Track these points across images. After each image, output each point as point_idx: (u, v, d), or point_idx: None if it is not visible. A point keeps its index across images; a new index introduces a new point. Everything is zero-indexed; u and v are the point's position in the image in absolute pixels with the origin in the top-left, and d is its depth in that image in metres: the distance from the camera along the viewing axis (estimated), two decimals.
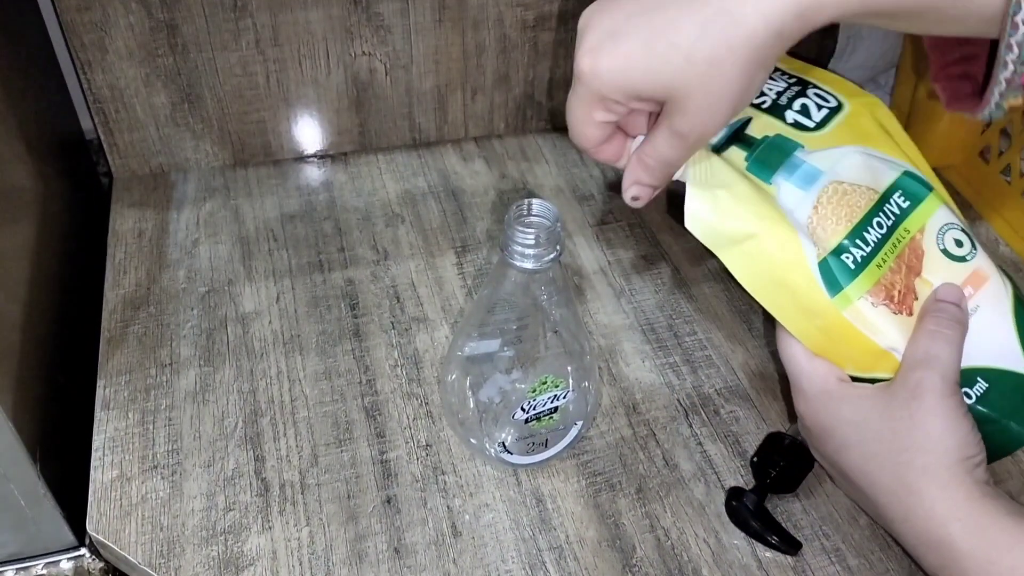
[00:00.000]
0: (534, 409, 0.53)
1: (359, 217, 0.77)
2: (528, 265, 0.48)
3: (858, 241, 0.51)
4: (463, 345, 0.56)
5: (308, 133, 0.82)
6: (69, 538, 0.58)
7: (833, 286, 0.50)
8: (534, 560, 0.54)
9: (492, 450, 0.56)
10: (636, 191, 0.48)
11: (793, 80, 0.57)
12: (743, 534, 0.55)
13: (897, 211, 0.52)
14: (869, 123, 0.55)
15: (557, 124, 0.88)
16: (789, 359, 0.52)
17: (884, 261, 0.51)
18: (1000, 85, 0.40)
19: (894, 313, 0.50)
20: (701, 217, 0.51)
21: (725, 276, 0.72)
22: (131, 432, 0.59)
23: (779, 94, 0.55)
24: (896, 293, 0.51)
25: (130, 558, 0.53)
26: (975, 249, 0.53)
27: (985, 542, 0.42)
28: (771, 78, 0.56)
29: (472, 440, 0.57)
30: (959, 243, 0.53)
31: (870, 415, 0.47)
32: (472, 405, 0.56)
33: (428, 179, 0.81)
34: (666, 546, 0.55)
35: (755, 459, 0.58)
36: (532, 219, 0.49)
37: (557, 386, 0.53)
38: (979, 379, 0.51)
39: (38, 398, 0.58)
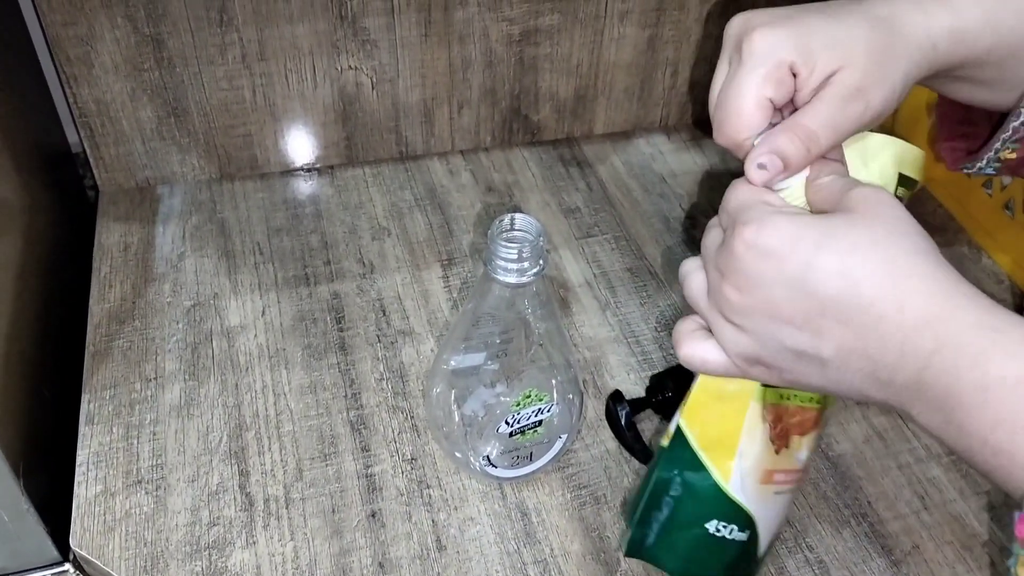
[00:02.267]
0: (519, 422, 0.54)
1: (345, 230, 0.77)
2: (511, 279, 0.49)
3: None
4: (448, 359, 0.56)
5: (295, 146, 0.82)
6: (52, 553, 0.58)
7: None
8: (519, 574, 0.54)
9: (477, 464, 0.56)
10: (767, 159, 0.41)
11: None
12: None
13: None
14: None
15: (543, 138, 0.89)
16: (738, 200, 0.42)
17: None
18: (1006, 132, 0.43)
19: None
20: None
21: None
22: (115, 447, 0.59)
23: None
24: None
25: (114, 573, 0.53)
26: None
27: (991, 314, 0.34)
28: None
29: (457, 454, 0.57)
30: None
31: (834, 220, 0.38)
32: (457, 419, 0.56)
33: (415, 192, 0.82)
34: None
35: (652, 378, 0.64)
36: (515, 234, 0.49)
37: (541, 399, 0.54)
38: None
39: (22, 412, 0.57)
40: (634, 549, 0.50)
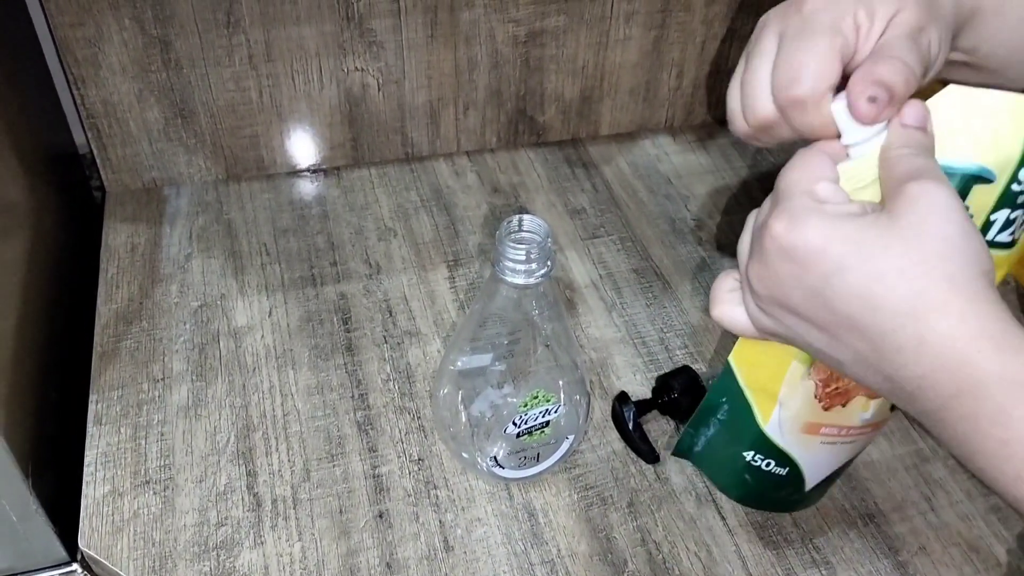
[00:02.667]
0: (526, 423, 0.54)
1: (352, 231, 0.77)
2: (519, 280, 0.49)
3: None
4: (455, 359, 0.56)
5: (301, 148, 0.82)
6: (61, 554, 0.58)
7: None
8: (526, 574, 0.54)
9: (484, 464, 0.56)
10: (876, 90, 0.38)
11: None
12: (667, 470, 0.55)
13: None
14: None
15: (548, 139, 0.89)
16: (796, 176, 0.39)
17: None
18: None
19: None
20: None
21: None
22: (123, 447, 0.59)
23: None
24: None
25: (122, 574, 0.53)
26: None
27: (1017, 362, 0.33)
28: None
29: (464, 454, 0.57)
30: None
31: (871, 232, 0.36)
32: (464, 419, 0.56)
33: (420, 193, 0.82)
34: (657, 560, 0.55)
35: (659, 379, 0.64)
36: (523, 235, 0.50)
37: (548, 400, 0.54)
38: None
39: (30, 413, 0.57)
40: (681, 451, 0.52)
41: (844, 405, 0.48)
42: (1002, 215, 0.42)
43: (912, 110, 0.39)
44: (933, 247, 0.35)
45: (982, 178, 0.40)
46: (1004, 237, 0.43)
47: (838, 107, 0.39)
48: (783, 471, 0.51)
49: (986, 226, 0.42)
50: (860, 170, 0.39)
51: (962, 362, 0.34)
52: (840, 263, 0.35)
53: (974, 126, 0.40)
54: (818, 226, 0.36)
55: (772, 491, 0.54)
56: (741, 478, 0.54)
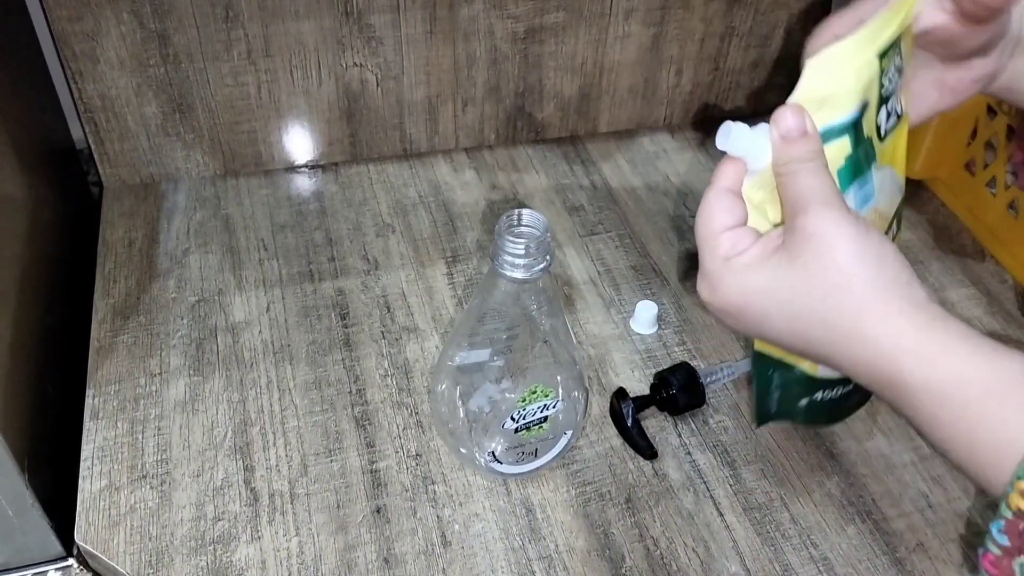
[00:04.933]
0: (524, 419, 0.54)
1: (350, 227, 0.77)
2: (518, 275, 0.49)
3: None
4: (453, 355, 0.56)
5: (299, 143, 0.82)
6: (57, 548, 0.58)
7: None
8: (524, 570, 0.54)
9: (482, 460, 0.56)
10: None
11: (902, 63, 0.48)
12: (661, 465, 0.55)
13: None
14: (900, 140, 0.51)
15: (547, 135, 0.89)
16: (704, 230, 0.43)
17: None
18: None
19: None
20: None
21: None
22: (120, 442, 0.59)
23: (891, 80, 0.47)
24: None
25: (119, 568, 0.53)
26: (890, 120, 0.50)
27: (936, 375, 0.37)
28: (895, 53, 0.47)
29: (462, 450, 0.57)
30: (889, 116, 0.50)
31: (777, 276, 0.40)
32: (462, 415, 0.56)
33: (419, 189, 0.82)
34: (655, 555, 0.55)
35: (658, 374, 0.64)
36: (522, 229, 0.49)
37: (547, 396, 0.54)
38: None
39: (27, 407, 0.57)
40: (762, 420, 0.52)
41: None
42: (883, 113, 0.47)
43: (784, 122, 0.41)
44: (833, 281, 0.39)
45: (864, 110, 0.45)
46: (890, 122, 0.48)
47: (739, 130, 0.42)
48: (849, 386, 0.51)
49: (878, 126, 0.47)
50: (764, 179, 0.43)
51: (891, 380, 0.38)
52: (763, 311, 0.41)
53: (843, 81, 0.44)
54: (732, 285, 0.41)
55: (854, 397, 0.54)
56: (824, 410, 0.53)
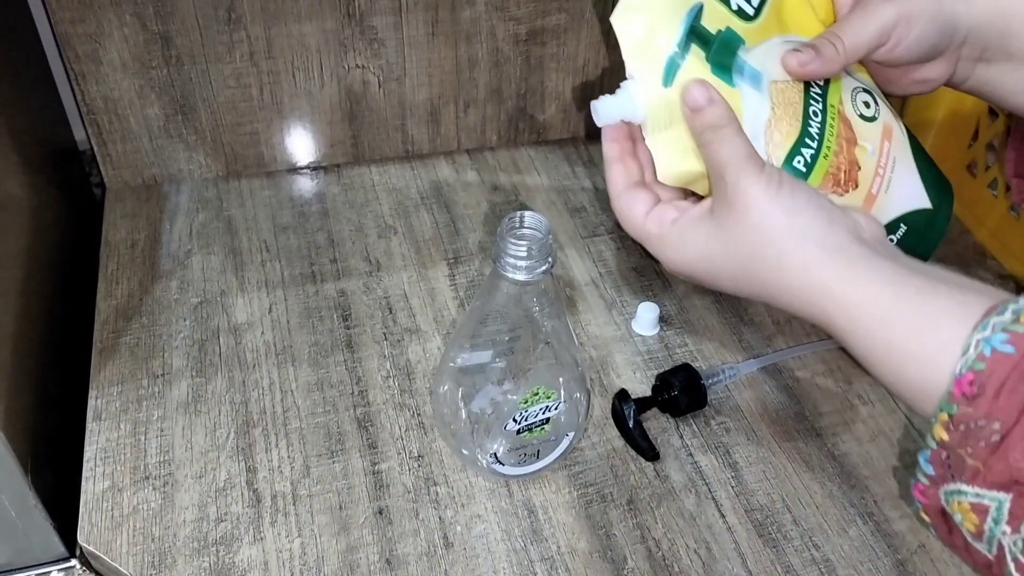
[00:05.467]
0: (526, 420, 0.54)
1: (352, 228, 0.77)
2: (520, 277, 0.49)
3: (806, 140, 0.49)
4: (455, 356, 0.56)
5: (301, 145, 0.82)
6: (59, 549, 0.58)
7: None
8: (525, 571, 0.54)
9: (484, 461, 0.56)
10: (803, 50, 0.48)
11: None
12: (659, 466, 0.55)
13: (820, 92, 0.51)
14: (797, 2, 0.53)
15: (548, 137, 0.89)
16: (630, 227, 0.49)
17: (829, 149, 0.50)
18: None
19: (840, 196, 0.50)
20: (671, 163, 0.50)
21: None
22: (123, 443, 0.59)
23: None
24: (841, 175, 0.50)
25: (121, 569, 0.53)
26: (878, 104, 0.53)
27: (862, 319, 0.39)
28: None
29: (464, 451, 0.57)
30: (867, 104, 0.52)
31: (710, 242, 0.44)
32: (464, 416, 0.56)
33: (420, 191, 0.82)
34: (657, 557, 0.55)
35: (660, 376, 0.64)
36: (524, 231, 0.50)
37: (549, 397, 0.54)
38: (900, 225, 0.52)
39: (30, 408, 0.57)
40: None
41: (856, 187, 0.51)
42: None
43: (690, 95, 0.46)
44: (756, 240, 0.42)
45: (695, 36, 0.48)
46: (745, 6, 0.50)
47: (604, 102, 0.48)
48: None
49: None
50: (657, 118, 0.47)
51: (826, 324, 0.41)
52: (709, 273, 0.46)
53: (654, 11, 0.48)
54: (674, 256, 0.46)
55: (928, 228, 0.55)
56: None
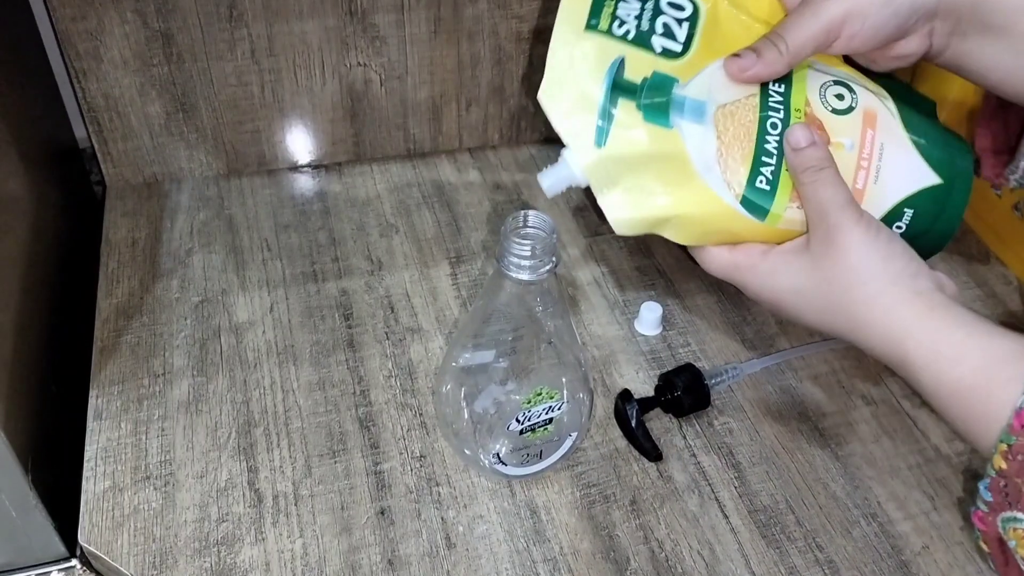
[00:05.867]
0: (529, 420, 0.53)
1: (353, 227, 0.77)
2: (524, 276, 0.49)
3: (763, 158, 0.50)
4: (458, 356, 0.56)
5: (302, 143, 0.82)
6: (60, 549, 0.58)
7: (760, 213, 0.50)
8: (528, 572, 0.53)
9: (487, 461, 0.56)
10: (743, 55, 0.49)
11: None
12: (662, 467, 0.55)
13: (780, 99, 0.51)
14: (725, 16, 0.52)
15: (551, 136, 0.88)
16: (715, 267, 0.53)
17: None
18: None
19: None
20: (624, 218, 0.51)
21: (718, 287, 0.72)
22: (124, 442, 0.59)
23: (638, 17, 0.51)
24: None
25: (122, 569, 0.52)
26: (854, 92, 0.52)
27: (935, 356, 0.43)
28: None
29: (467, 451, 0.57)
30: (840, 96, 0.52)
31: (800, 276, 0.49)
32: (466, 416, 0.56)
33: (422, 189, 0.82)
34: (660, 558, 0.55)
35: (663, 376, 0.64)
36: (528, 230, 0.49)
37: (552, 397, 0.53)
38: (905, 210, 0.52)
39: (30, 407, 0.57)
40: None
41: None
42: (656, 40, 0.50)
43: (793, 136, 0.49)
44: (846, 279, 0.46)
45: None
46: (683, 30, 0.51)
47: (546, 175, 0.52)
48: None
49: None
50: (599, 179, 0.50)
51: (901, 361, 0.45)
52: (795, 307, 0.50)
53: (576, 81, 0.50)
54: (762, 287, 0.51)
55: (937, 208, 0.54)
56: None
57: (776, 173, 0.50)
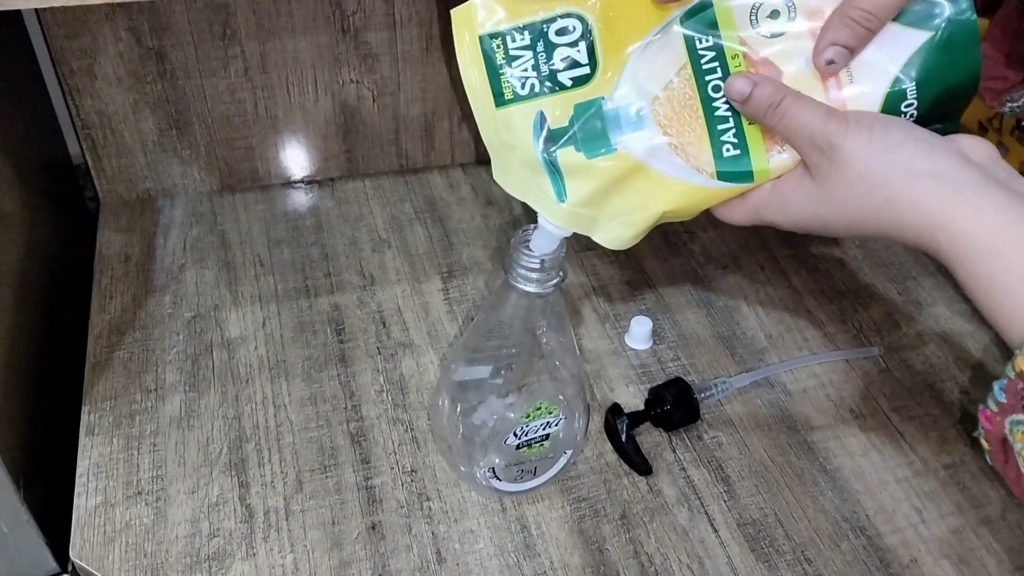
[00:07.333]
0: (526, 435, 0.54)
1: (346, 242, 0.77)
2: (531, 288, 0.49)
3: (719, 127, 0.48)
4: (457, 369, 0.56)
5: (295, 159, 0.82)
6: (51, 564, 0.58)
7: (743, 178, 0.49)
8: None
9: (481, 476, 0.56)
10: (832, 53, 0.45)
11: (526, 30, 0.48)
12: (658, 482, 0.56)
13: (712, 53, 0.48)
14: (619, 9, 0.49)
15: None
16: (737, 219, 0.51)
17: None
18: None
19: None
20: (619, 239, 0.51)
21: (707, 302, 0.73)
22: (115, 458, 0.59)
23: (535, 67, 0.48)
24: None
25: None
26: (790, 4, 0.47)
27: (965, 249, 0.40)
28: (511, 51, 0.49)
29: (461, 466, 0.57)
30: (775, 14, 0.47)
31: (814, 202, 0.46)
32: (461, 431, 0.56)
33: (415, 205, 0.82)
34: (650, 572, 0.55)
35: (652, 390, 0.64)
36: None
37: (551, 413, 0.54)
38: (903, 85, 0.47)
39: (22, 423, 0.57)
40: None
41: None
42: (544, 68, 0.49)
43: (733, 89, 0.46)
44: (863, 188, 0.43)
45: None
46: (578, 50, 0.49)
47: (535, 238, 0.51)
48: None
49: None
50: (580, 225, 0.50)
51: (935, 252, 0.42)
52: (823, 226, 0.47)
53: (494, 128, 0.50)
54: (780, 219, 0.48)
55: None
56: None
57: (739, 133, 0.48)
